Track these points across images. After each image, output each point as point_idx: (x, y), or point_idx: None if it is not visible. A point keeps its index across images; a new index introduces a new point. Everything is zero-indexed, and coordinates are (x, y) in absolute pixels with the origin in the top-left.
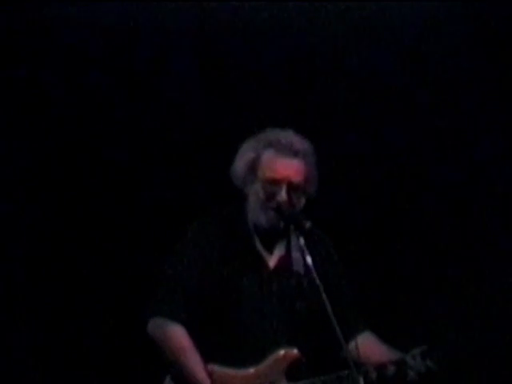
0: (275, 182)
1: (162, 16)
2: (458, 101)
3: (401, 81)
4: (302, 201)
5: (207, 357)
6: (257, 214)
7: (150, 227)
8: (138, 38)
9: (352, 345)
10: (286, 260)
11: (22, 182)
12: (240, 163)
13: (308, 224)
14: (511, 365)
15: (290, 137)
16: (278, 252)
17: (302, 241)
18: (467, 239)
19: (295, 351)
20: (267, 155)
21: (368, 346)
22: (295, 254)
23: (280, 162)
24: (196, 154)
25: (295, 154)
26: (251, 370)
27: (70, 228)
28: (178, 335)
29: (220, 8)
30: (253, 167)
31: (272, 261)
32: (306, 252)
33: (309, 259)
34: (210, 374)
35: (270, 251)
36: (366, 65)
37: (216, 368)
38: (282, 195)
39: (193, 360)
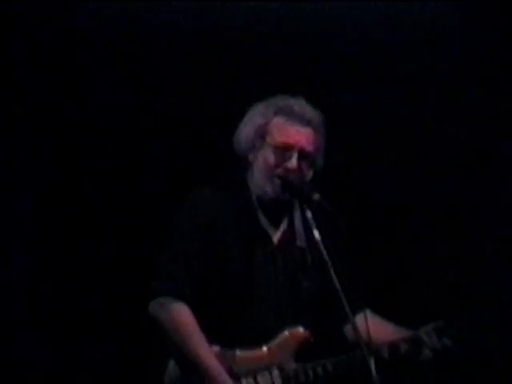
0: (287, 148)
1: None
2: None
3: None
4: (310, 173)
5: (209, 337)
6: (262, 182)
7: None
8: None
9: (359, 323)
10: (289, 234)
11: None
12: (247, 128)
13: (316, 196)
14: None
15: (302, 105)
16: (283, 226)
17: (309, 214)
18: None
19: (302, 330)
20: (278, 121)
21: (371, 325)
22: (298, 228)
23: (293, 128)
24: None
25: (308, 122)
26: (263, 349)
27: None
28: (183, 316)
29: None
30: (261, 133)
31: (276, 236)
32: (313, 226)
33: (316, 233)
34: (217, 356)
35: (276, 226)
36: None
37: (222, 349)
38: (293, 161)
39: (200, 343)
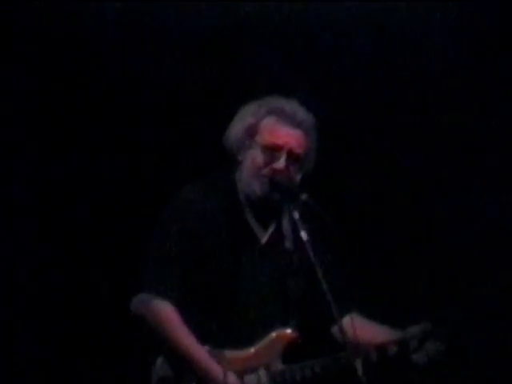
0: (276, 148)
1: None
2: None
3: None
4: (299, 176)
5: (198, 338)
6: (250, 181)
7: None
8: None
9: (347, 325)
10: (277, 235)
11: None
12: (237, 127)
13: (304, 196)
14: None
15: (294, 106)
16: (272, 227)
17: (296, 214)
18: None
19: (289, 331)
20: (269, 121)
21: (359, 327)
22: (286, 229)
23: (283, 129)
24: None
25: (299, 124)
26: (251, 350)
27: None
28: (165, 311)
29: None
30: (251, 132)
31: (264, 236)
32: (301, 226)
33: (304, 234)
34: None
35: (264, 226)
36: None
37: (210, 349)
38: (281, 162)
39: (185, 336)
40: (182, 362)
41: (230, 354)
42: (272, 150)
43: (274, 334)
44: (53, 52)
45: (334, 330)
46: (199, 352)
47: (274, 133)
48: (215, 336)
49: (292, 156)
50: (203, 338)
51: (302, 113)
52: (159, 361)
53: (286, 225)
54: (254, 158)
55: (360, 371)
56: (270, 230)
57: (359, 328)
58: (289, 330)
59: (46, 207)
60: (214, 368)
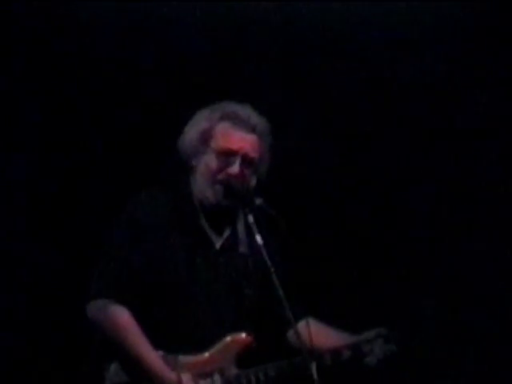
0: (230, 153)
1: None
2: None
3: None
4: (254, 180)
5: (152, 342)
6: (204, 187)
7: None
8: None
9: (302, 329)
10: (231, 240)
11: None
12: (191, 132)
13: (259, 200)
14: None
15: (248, 111)
16: (226, 232)
17: (250, 219)
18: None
19: (244, 336)
20: (223, 126)
21: (313, 331)
22: (241, 233)
23: (237, 134)
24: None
25: (253, 129)
26: (205, 355)
27: None
28: (123, 316)
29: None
30: (205, 137)
31: (218, 241)
32: (256, 231)
33: (258, 238)
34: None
35: (219, 232)
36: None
37: (165, 354)
38: (235, 167)
39: (141, 342)
40: (136, 368)
41: (184, 358)
42: (226, 155)
43: (228, 339)
44: (51, 50)
45: (290, 334)
46: (154, 359)
47: (228, 138)
48: (169, 341)
49: (246, 160)
50: (157, 343)
51: (255, 117)
52: (113, 367)
53: (240, 229)
54: (208, 163)
55: (315, 375)
56: (225, 234)
57: (314, 332)
58: (243, 335)
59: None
60: (169, 374)
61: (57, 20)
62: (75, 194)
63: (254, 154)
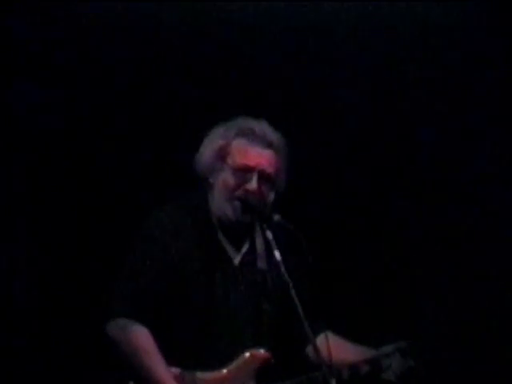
0: (247, 170)
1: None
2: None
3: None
4: (272, 195)
5: (169, 359)
6: (222, 204)
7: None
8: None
9: (320, 344)
10: (250, 256)
11: None
12: (208, 150)
13: (277, 217)
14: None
15: (263, 127)
16: (245, 248)
17: (269, 235)
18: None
19: (262, 352)
20: (239, 142)
21: (332, 346)
22: (259, 249)
23: (253, 150)
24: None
25: (269, 145)
26: (224, 371)
27: None
28: (143, 338)
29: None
30: (222, 154)
31: (237, 257)
32: (274, 246)
33: (277, 254)
34: (177, 379)
35: (237, 247)
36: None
37: (182, 371)
38: (253, 183)
39: (159, 365)
40: None
41: (201, 375)
42: (243, 172)
43: (246, 355)
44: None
45: (309, 349)
46: (170, 381)
47: (244, 154)
48: (187, 358)
49: (263, 176)
50: (175, 360)
51: (271, 133)
52: None
53: (259, 245)
54: (225, 180)
55: None
56: (243, 250)
57: (333, 347)
58: (262, 351)
59: None
60: None
61: (57, 20)
62: (91, 208)
63: (270, 170)
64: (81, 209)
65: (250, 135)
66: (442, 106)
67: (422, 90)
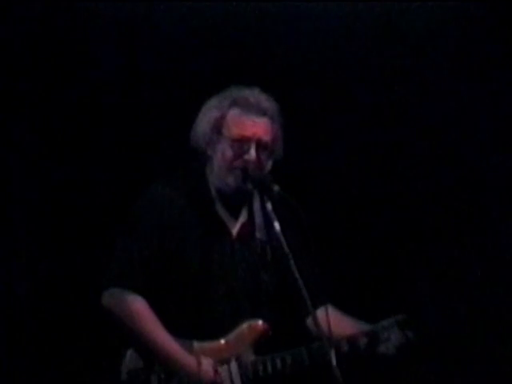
0: (244, 140)
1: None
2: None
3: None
4: (270, 163)
5: (167, 329)
6: (223, 175)
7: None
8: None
9: (320, 316)
10: (248, 226)
11: None
12: (203, 122)
13: (276, 187)
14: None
15: (257, 95)
16: (243, 218)
17: (269, 205)
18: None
19: (260, 323)
20: (234, 113)
21: (332, 319)
22: (258, 220)
23: (249, 120)
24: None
25: (263, 112)
26: (221, 342)
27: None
28: (137, 305)
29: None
30: (218, 126)
31: (235, 228)
32: (274, 217)
33: (277, 225)
34: None
35: (235, 218)
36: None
37: (179, 340)
38: (251, 153)
39: (157, 330)
40: (152, 354)
41: (198, 344)
42: (241, 142)
43: (244, 326)
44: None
45: (309, 321)
46: (172, 344)
47: (240, 124)
48: (185, 329)
49: (261, 145)
50: (173, 330)
51: (265, 100)
52: (129, 353)
53: (257, 216)
54: (223, 152)
55: (333, 362)
56: (242, 221)
57: (333, 319)
58: (259, 322)
59: None
60: (188, 359)
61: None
62: (87, 183)
63: (267, 138)
64: (81, 209)
65: (244, 104)
66: (442, 106)
67: (422, 90)
